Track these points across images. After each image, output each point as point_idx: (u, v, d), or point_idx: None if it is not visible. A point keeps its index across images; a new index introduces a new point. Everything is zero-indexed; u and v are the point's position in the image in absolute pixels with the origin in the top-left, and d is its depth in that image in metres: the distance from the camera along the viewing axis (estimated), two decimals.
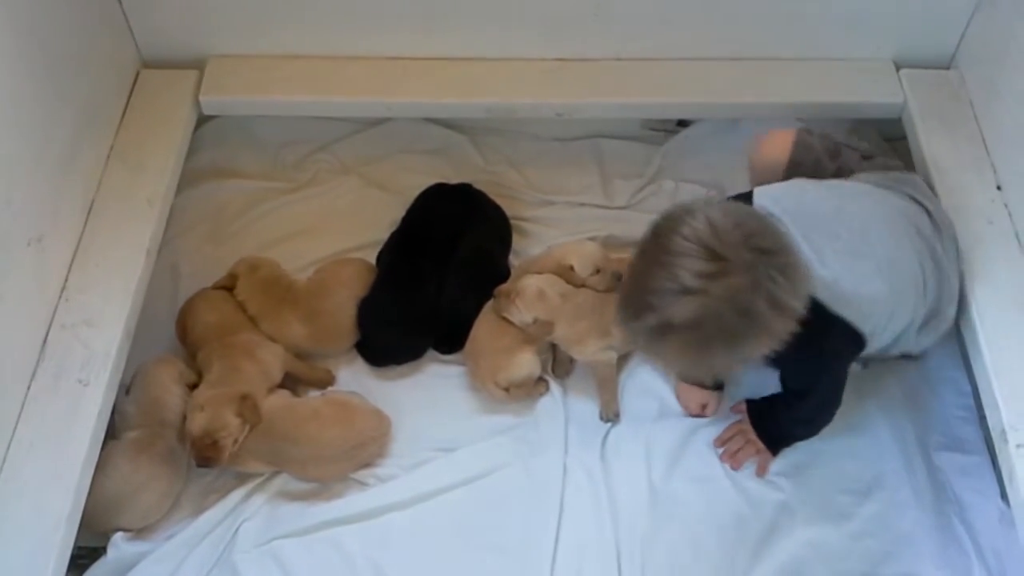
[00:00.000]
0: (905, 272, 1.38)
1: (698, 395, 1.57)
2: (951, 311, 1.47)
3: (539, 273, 1.60)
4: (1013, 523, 1.39)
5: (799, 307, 1.16)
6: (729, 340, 1.15)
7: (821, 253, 1.30)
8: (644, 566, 1.44)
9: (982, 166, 1.63)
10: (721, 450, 1.53)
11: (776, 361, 1.31)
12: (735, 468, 1.50)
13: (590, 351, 1.59)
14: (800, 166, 1.53)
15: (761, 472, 1.50)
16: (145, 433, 1.50)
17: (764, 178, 1.52)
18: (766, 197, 1.37)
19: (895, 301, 1.37)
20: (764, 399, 1.52)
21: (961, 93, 1.73)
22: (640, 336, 1.20)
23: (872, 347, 1.40)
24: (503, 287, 1.61)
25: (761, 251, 1.14)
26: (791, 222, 1.30)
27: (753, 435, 1.51)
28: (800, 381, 1.44)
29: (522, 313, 1.57)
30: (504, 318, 1.59)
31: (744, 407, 1.54)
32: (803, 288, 1.18)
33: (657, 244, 1.18)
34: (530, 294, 1.57)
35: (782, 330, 1.16)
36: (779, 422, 1.50)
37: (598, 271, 1.62)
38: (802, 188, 1.42)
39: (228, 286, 1.66)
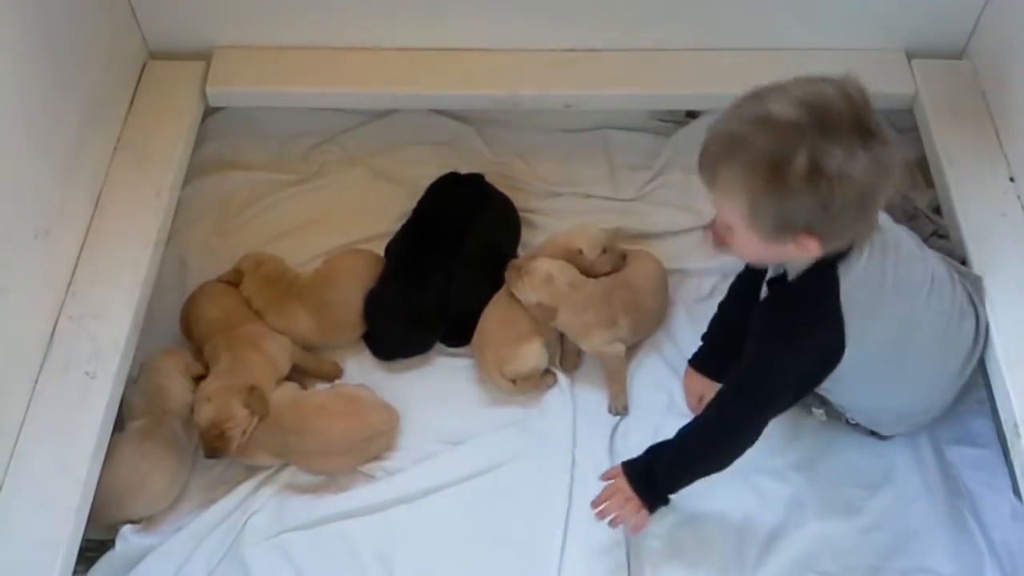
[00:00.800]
0: (920, 343, 1.34)
1: (699, 385, 1.55)
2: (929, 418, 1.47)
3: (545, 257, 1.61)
4: None
5: (876, 190, 1.14)
6: (786, 184, 1.11)
7: (884, 266, 1.26)
8: (653, 559, 1.43)
9: (995, 157, 1.62)
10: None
11: (754, 328, 1.30)
12: (613, 527, 1.40)
13: (596, 342, 1.59)
14: None
15: (634, 532, 1.41)
16: (149, 421, 1.51)
17: None
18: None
19: (900, 369, 1.34)
20: (653, 452, 1.40)
21: (973, 84, 1.72)
22: (738, 115, 1.18)
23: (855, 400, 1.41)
24: (516, 261, 1.62)
25: (882, 127, 1.14)
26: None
27: (631, 493, 1.39)
28: (747, 370, 1.33)
29: (527, 293, 1.57)
30: (513, 301, 1.59)
31: (618, 471, 1.41)
32: (887, 182, 1.15)
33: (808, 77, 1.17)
34: (538, 276, 1.57)
35: (851, 204, 1.13)
36: (679, 464, 1.39)
37: (604, 251, 1.63)
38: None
39: (233, 282, 1.65)
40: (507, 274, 1.61)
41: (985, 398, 1.55)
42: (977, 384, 1.56)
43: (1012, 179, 1.59)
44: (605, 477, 1.42)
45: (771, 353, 1.30)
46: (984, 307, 1.44)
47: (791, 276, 1.29)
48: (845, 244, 1.21)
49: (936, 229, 1.54)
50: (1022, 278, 1.48)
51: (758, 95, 1.17)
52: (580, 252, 1.63)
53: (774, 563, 1.40)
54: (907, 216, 1.52)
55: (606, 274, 1.66)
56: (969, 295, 1.42)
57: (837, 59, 1.75)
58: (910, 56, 1.76)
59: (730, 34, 1.76)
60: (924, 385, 1.42)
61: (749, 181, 1.15)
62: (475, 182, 1.79)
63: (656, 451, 1.39)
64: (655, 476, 1.38)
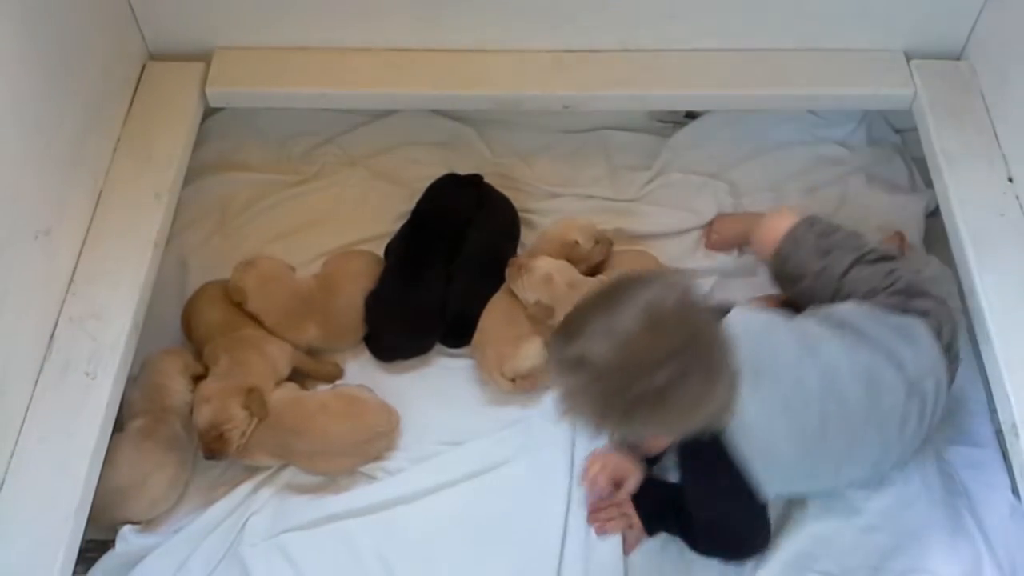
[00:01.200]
0: (837, 445, 1.33)
1: (613, 460, 1.47)
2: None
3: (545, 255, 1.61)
4: None
5: (706, 413, 1.14)
6: (628, 408, 1.10)
7: (754, 394, 1.24)
8: (653, 558, 1.43)
9: (993, 158, 1.62)
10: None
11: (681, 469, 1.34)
12: (598, 534, 1.44)
13: None
14: (786, 260, 1.50)
15: (628, 550, 1.43)
16: (148, 420, 1.51)
17: (758, 251, 1.56)
18: (740, 317, 1.33)
19: (811, 468, 1.34)
20: (661, 485, 1.46)
21: (972, 84, 1.72)
22: (556, 365, 1.16)
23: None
24: (517, 259, 1.62)
25: (700, 352, 1.11)
26: (748, 352, 1.23)
27: (631, 509, 1.44)
28: (694, 502, 1.38)
29: (526, 292, 1.57)
30: (513, 300, 1.60)
31: (633, 489, 1.45)
32: (714, 403, 1.14)
33: (618, 289, 1.14)
34: (538, 275, 1.57)
35: (681, 425, 1.16)
36: (667, 515, 1.43)
37: (597, 242, 1.66)
38: (775, 327, 1.36)
39: (238, 301, 1.63)
40: (508, 271, 1.61)
41: (984, 398, 1.55)
42: (976, 384, 1.57)
43: (1011, 179, 1.59)
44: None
45: (710, 510, 1.36)
46: (921, 352, 1.37)
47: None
48: (700, 434, 1.20)
49: (861, 255, 1.46)
50: (1020, 277, 1.48)
51: (569, 336, 1.15)
52: (576, 244, 1.65)
53: (774, 563, 1.40)
54: (821, 253, 1.47)
55: (600, 263, 1.67)
56: (902, 370, 1.35)
57: (836, 60, 1.77)
58: (909, 56, 1.76)
59: (729, 35, 1.76)
60: (867, 460, 1.39)
61: (587, 421, 1.20)
62: (474, 183, 1.79)
63: (673, 506, 1.42)
64: (664, 520, 1.43)
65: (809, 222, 1.51)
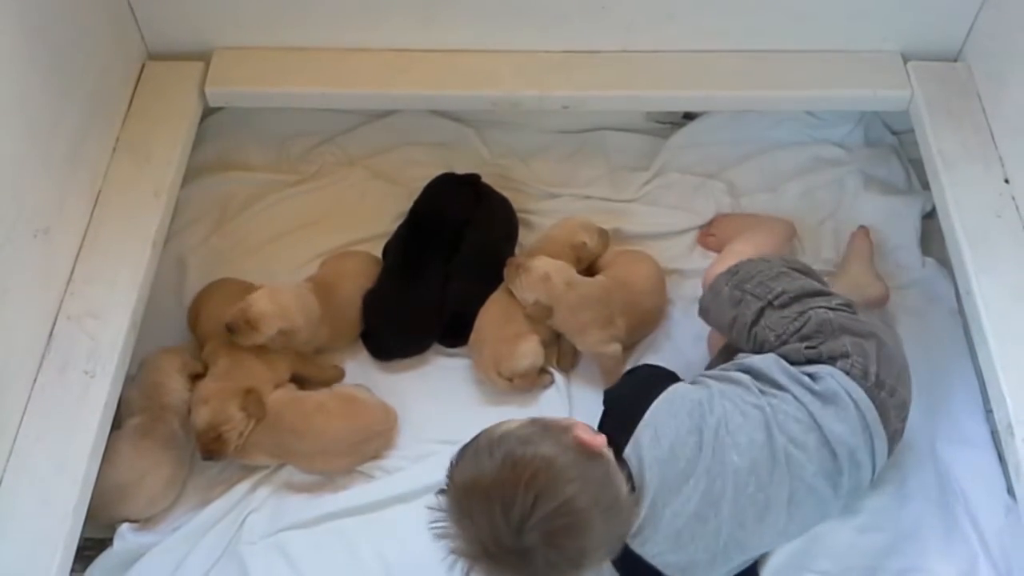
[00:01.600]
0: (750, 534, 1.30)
1: None
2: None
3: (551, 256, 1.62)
4: (1019, 517, 1.39)
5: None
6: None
7: (657, 521, 1.25)
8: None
9: (990, 159, 1.62)
10: None
11: None
12: None
13: (592, 342, 1.60)
14: (707, 313, 1.52)
15: None
16: (146, 418, 1.51)
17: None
18: (646, 438, 1.29)
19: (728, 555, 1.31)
20: None
21: (969, 86, 1.72)
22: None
23: None
24: (515, 258, 1.63)
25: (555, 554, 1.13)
26: (651, 475, 1.25)
27: None
28: None
29: (524, 291, 1.58)
30: (511, 299, 1.60)
31: None
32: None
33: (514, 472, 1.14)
34: (536, 275, 1.58)
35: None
36: None
37: (599, 237, 1.69)
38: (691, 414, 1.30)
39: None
40: (506, 271, 1.62)
41: (980, 399, 1.55)
42: (972, 385, 1.57)
43: (1007, 180, 1.59)
44: None
45: None
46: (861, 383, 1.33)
47: None
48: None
49: (769, 300, 1.41)
50: (1016, 279, 1.48)
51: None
52: (584, 244, 1.66)
53: (772, 563, 1.40)
54: (734, 302, 1.44)
55: (596, 260, 1.70)
56: (824, 437, 1.30)
57: (834, 61, 1.77)
58: (906, 58, 1.77)
59: (727, 36, 1.76)
60: (803, 524, 1.36)
61: None
62: (471, 182, 1.79)
63: None
64: None
65: (732, 271, 1.47)
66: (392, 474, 1.53)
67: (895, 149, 1.90)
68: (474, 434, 1.53)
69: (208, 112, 1.85)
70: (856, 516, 1.45)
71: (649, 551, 1.26)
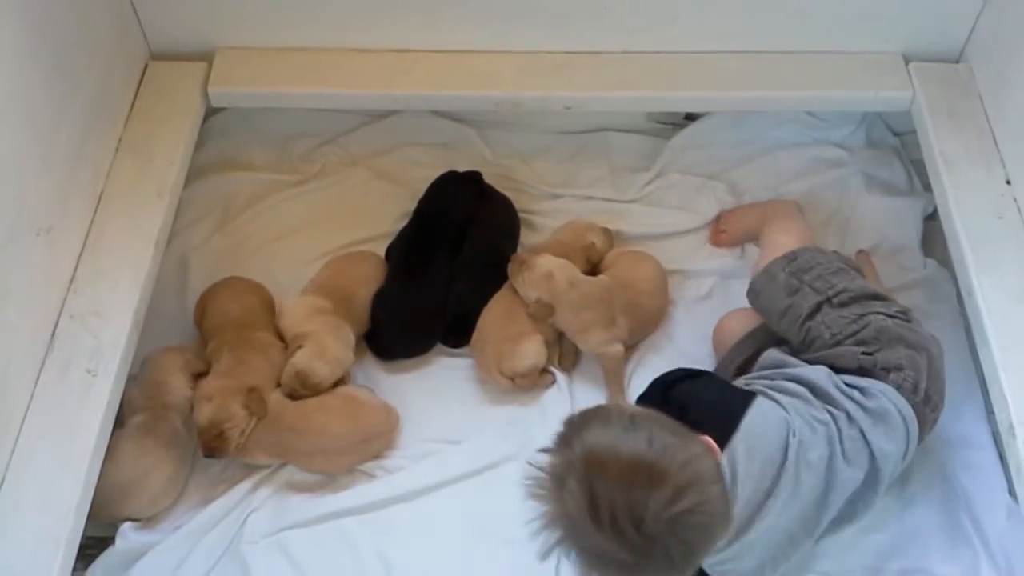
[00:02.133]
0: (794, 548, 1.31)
1: None
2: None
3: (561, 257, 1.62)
4: (1021, 519, 1.39)
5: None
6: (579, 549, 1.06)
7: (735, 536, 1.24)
8: None
9: (991, 161, 1.62)
10: None
11: None
12: None
13: (594, 342, 1.60)
14: (758, 295, 1.51)
15: None
16: (149, 417, 1.51)
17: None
18: (740, 452, 1.24)
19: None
20: None
21: (971, 87, 1.72)
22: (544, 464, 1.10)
23: None
24: (519, 255, 1.63)
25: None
26: (743, 491, 1.23)
27: None
28: None
29: (527, 288, 1.58)
30: (514, 299, 1.61)
31: None
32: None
33: (633, 445, 1.05)
34: (539, 272, 1.58)
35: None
36: None
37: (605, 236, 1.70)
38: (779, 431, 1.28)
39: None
40: (510, 267, 1.62)
41: (981, 400, 1.55)
42: (973, 386, 1.57)
43: (1009, 182, 1.59)
44: None
45: None
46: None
47: None
48: None
49: (828, 297, 1.41)
50: (1018, 280, 1.48)
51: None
52: (593, 244, 1.67)
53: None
54: (790, 291, 1.44)
55: (599, 261, 1.70)
56: (871, 452, 1.31)
57: (835, 62, 1.77)
58: (907, 59, 1.77)
59: (729, 37, 1.77)
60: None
61: None
62: (473, 180, 1.80)
63: None
64: None
65: (789, 257, 1.48)
66: (393, 473, 1.53)
67: (897, 150, 1.90)
68: (476, 432, 1.56)
69: (211, 112, 1.85)
70: (858, 517, 1.45)
71: (712, 559, 1.24)
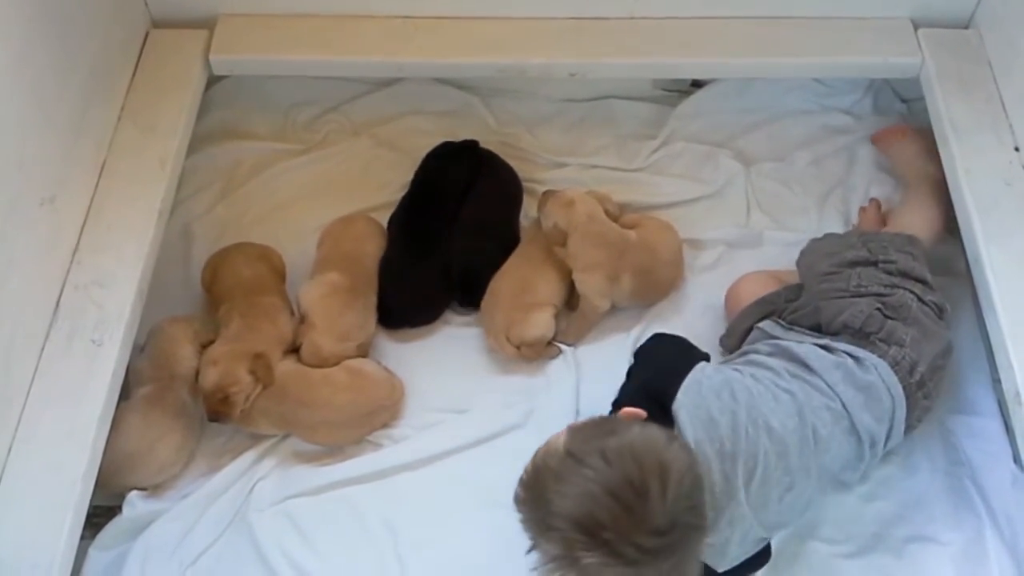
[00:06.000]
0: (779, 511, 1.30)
1: None
2: None
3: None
4: None
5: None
6: None
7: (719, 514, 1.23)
8: None
9: (1000, 127, 1.61)
10: None
11: None
12: None
13: (591, 284, 1.59)
14: (821, 239, 1.56)
15: None
16: (156, 387, 1.51)
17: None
18: (683, 418, 1.26)
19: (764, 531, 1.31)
20: None
21: (980, 53, 1.70)
22: (541, 550, 1.09)
23: None
24: (550, 189, 1.66)
25: (692, 529, 1.06)
26: (715, 459, 1.22)
27: None
28: None
29: (547, 216, 1.61)
30: (528, 267, 1.62)
31: None
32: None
33: (594, 457, 1.06)
34: (562, 199, 1.60)
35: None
36: None
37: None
38: (720, 395, 1.28)
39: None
40: (540, 199, 1.65)
41: (987, 368, 1.55)
42: (979, 354, 1.57)
43: (1017, 148, 1.58)
44: None
45: None
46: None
47: None
48: None
49: (874, 260, 1.45)
50: None
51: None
52: (607, 212, 1.66)
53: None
54: (847, 245, 1.49)
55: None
56: (853, 424, 1.31)
57: (843, 28, 1.75)
58: (916, 25, 1.75)
59: (736, 3, 1.75)
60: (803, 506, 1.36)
61: None
62: (469, 148, 1.79)
63: None
64: None
65: (875, 232, 1.55)
66: (399, 443, 1.54)
67: (904, 117, 1.88)
68: (481, 401, 1.56)
69: (213, 80, 1.84)
70: (862, 484, 1.46)
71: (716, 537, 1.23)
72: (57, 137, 1.46)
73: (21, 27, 1.37)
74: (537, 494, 1.09)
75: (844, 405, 1.31)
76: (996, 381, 1.49)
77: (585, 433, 1.13)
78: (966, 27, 1.76)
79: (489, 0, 1.75)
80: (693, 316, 1.66)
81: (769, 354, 1.39)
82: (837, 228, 1.74)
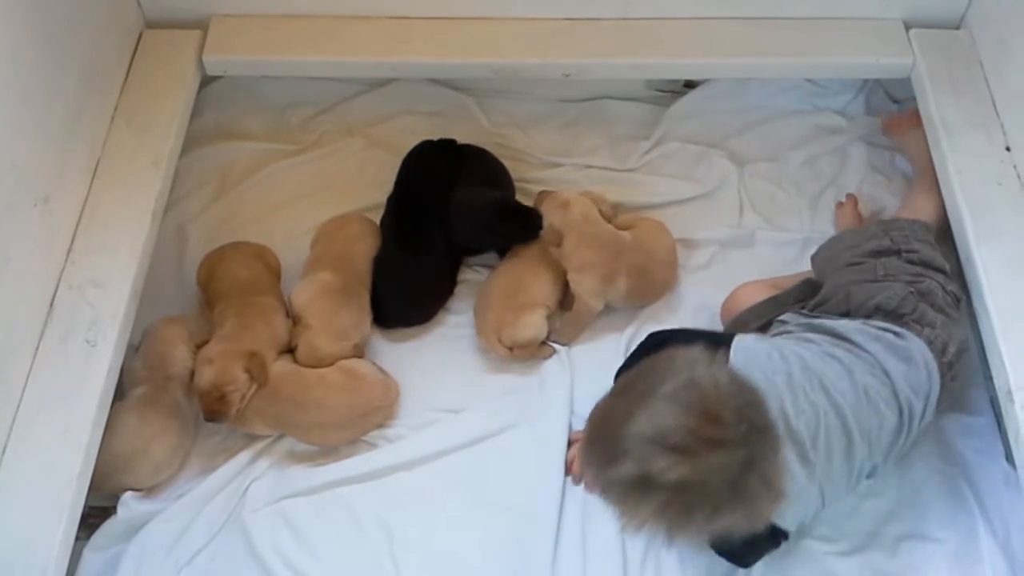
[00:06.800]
0: (838, 477, 1.31)
1: None
2: None
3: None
4: (1018, 484, 1.40)
5: (785, 486, 1.10)
6: (712, 512, 1.05)
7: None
8: None
9: (991, 127, 1.62)
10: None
11: None
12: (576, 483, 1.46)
13: (586, 285, 1.60)
14: (840, 238, 1.57)
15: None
16: (151, 388, 1.51)
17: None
18: (743, 351, 1.28)
19: (824, 503, 1.31)
20: None
21: (971, 53, 1.71)
22: (612, 486, 1.09)
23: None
24: (547, 190, 1.70)
25: (757, 427, 1.07)
26: (777, 416, 1.22)
27: None
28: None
29: (544, 215, 1.62)
30: (521, 269, 1.62)
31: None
32: (786, 468, 1.12)
33: (646, 384, 1.09)
34: (558, 200, 1.62)
35: (767, 509, 1.09)
36: None
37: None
38: (771, 356, 1.30)
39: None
40: (536, 199, 1.67)
41: (979, 365, 1.56)
42: (971, 353, 1.58)
43: (1008, 148, 1.59)
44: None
45: (726, 545, 1.32)
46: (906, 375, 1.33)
47: None
48: None
49: (897, 249, 1.47)
50: (1017, 246, 1.48)
51: (619, 446, 1.08)
52: (603, 212, 1.66)
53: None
54: (868, 236, 1.50)
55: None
56: (895, 392, 1.31)
57: (835, 28, 1.76)
58: (908, 25, 1.76)
59: (729, 3, 1.75)
60: (844, 495, 1.37)
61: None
62: (449, 145, 1.79)
63: None
64: None
65: (890, 220, 1.55)
66: (394, 442, 1.54)
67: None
68: (475, 401, 1.56)
69: (207, 81, 1.84)
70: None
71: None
72: (50, 138, 1.46)
73: (14, 28, 1.37)
74: (602, 432, 1.11)
75: (887, 372, 1.32)
76: (989, 379, 1.50)
77: (635, 371, 1.15)
78: (957, 28, 1.76)
79: (482, 1, 1.75)
80: (687, 316, 1.66)
81: (805, 329, 1.39)
82: (829, 228, 1.75)
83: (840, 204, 1.75)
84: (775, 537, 1.30)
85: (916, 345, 1.34)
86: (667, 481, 1.04)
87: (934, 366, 1.34)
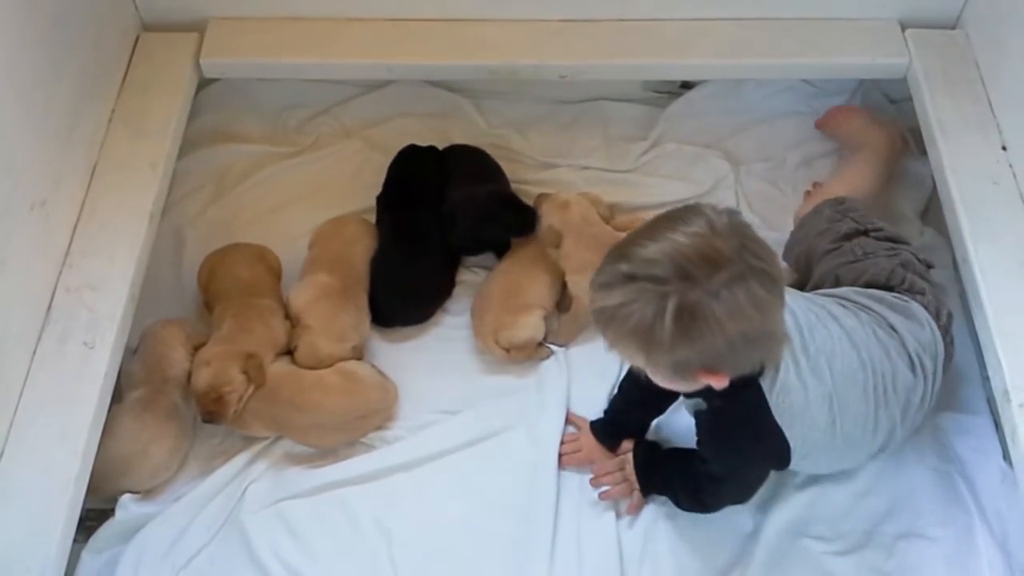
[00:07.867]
0: (854, 413, 1.32)
1: (595, 451, 1.50)
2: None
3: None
4: (1015, 483, 1.40)
5: (783, 329, 1.15)
6: (684, 319, 1.06)
7: (787, 362, 1.25)
8: (645, 526, 1.45)
9: (987, 127, 1.62)
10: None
11: (699, 436, 1.33)
12: (602, 499, 1.46)
13: (583, 287, 1.58)
14: (802, 227, 1.58)
15: (632, 511, 1.45)
16: (149, 391, 1.51)
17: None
18: None
19: (837, 439, 1.32)
20: (661, 452, 1.48)
21: (967, 53, 1.72)
22: (600, 284, 1.12)
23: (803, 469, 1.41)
24: (546, 192, 1.72)
25: (754, 255, 1.09)
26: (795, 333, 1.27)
27: (632, 475, 1.45)
28: (711, 464, 1.35)
29: (543, 216, 1.64)
30: (518, 270, 1.62)
31: (631, 447, 1.48)
32: (775, 308, 1.12)
33: (669, 217, 1.13)
34: (557, 201, 1.64)
35: (737, 341, 1.09)
36: (668, 481, 1.44)
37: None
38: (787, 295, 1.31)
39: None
40: (535, 201, 1.68)
41: (976, 365, 1.56)
42: (968, 352, 1.58)
43: (1004, 147, 1.59)
44: (621, 450, 1.48)
45: (726, 467, 1.34)
46: (915, 333, 1.37)
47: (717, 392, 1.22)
48: (754, 368, 1.20)
49: (864, 229, 1.50)
50: (1013, 246, 1.49)
51: (619, 255, 1.12)
52: (602, 215, 1.68)
53: (769, 528, 1.42)
54: (831, 220, 1.52)
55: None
56: (904, 345, 1.35)
57: (831, 29, 1.77)
58: (904, 26, 1.76)
59: (725, 4, 1.76)
60: (864, 446, 1.40)
61: (632, 347, 1.13)
62: (433, 150, 1.80)
63: (663, 458, 1.46)
64: (651, 477, 1.44)
65: (838, 200, 1.56)
66: (392, 444, 1.54)
67: (893, 117, 1.89)
68: (473, 403, 1.57)
69: (204, 83, 1.84)
70: (853, 481, 1.46)
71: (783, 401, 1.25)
72: (48, 141, 1.46)
73: (11, 31, 1.37)
74: (615, 257, 1.13)
75: (893, 327, 1.35)
76: (985, 378, 1.50)
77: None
78: (953, 28, 1.77)
79: (479, 2, 1.76)
80: None
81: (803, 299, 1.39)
82: None
83: (808, 193, 1.76)
84: (779, 458, 1.32)
85: (915, 307, 1.39)
86: (649, 270, 1.07)
87: (934, 325, 1.39)
